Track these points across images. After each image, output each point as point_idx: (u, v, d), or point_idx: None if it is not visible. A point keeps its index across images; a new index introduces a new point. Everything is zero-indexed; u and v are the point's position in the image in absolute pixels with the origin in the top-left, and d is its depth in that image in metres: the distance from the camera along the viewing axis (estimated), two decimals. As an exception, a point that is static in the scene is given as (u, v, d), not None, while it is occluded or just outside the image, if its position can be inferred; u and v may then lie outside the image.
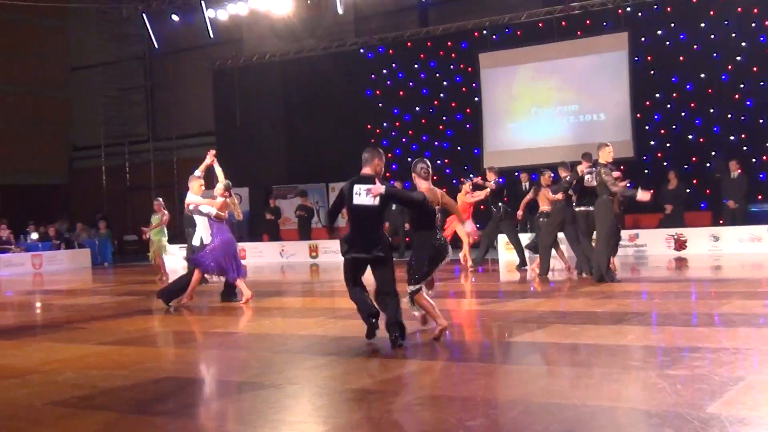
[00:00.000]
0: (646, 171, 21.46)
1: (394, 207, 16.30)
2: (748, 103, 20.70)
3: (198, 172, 12.32)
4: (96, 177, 34.23)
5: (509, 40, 23.86)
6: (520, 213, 16.12)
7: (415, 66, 25.19)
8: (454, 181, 17.12)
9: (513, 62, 23.84)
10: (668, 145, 21.62)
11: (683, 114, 21.42)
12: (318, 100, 26.35)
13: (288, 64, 27.11)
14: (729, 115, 20.81)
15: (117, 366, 7.66)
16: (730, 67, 20.82)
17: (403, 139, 25.26)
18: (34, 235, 26.65)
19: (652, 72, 21.91)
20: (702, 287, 12.37)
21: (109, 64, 33.45)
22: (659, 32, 21.77)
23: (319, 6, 25.06)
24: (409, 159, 24.33)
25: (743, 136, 20.70)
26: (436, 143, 24.78)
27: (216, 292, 13.06)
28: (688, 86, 21.28)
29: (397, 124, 25.44)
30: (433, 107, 24.86)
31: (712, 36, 21.05)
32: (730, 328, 8.16)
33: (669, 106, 21.59)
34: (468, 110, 24.42)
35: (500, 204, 16.11)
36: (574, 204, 13.66)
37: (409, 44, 25.36)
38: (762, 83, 20.50)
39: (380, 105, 25.80)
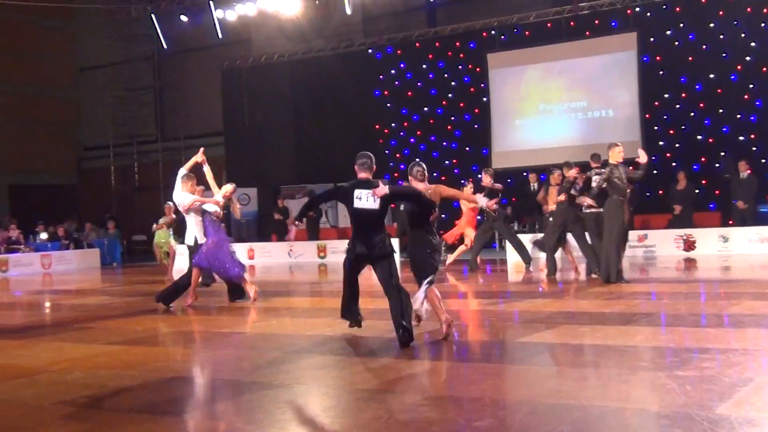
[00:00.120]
0: (655, 171, 21.34)
1: (402, 207, 16.31)
2: (757, 103, 20.64)
3: (185, 170, 12.28)
4: (105, 177, 34.32)
5: (518, 40, 23.85)
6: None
7: (424, 66, 25.18)
8: (462, 181, 17.09)
9: (521, 62, 23.82)
10: (677, 145, 21.57)
11: (692, 114, 21.37)
12: (326, 100, 26.39)
13: (296, 65, 27.15)
14: (738, 116, 20.76)
15: (125, 366, 7.68)
16: (739, 67, 20.77)
17: (411, 140, 25.27)
18: (44, 235, 26.72)
19: (661, 72, 21.87)
20: (711, 288, 12.33)
21: (118, 65, 33.54)
22: (668, 32, 21.73)
23: (327, 6, 25.09)
24: (417, 160, 24.45)
25: (752, 136, 20.65)
26: (444, 143, 24.78)
27: (223, 292, 13.07)
28: (697, 86, 21.23)
29: (405, 124, 25.44)
30: (442, 107, 24.85)
31: (722, 36, 20.99)
32: (740, 329, 8.14)
33: (678, 106, 21.54)
34: (476, 110, 24.40)
35: (495, 205, 16.04)
36: (584, 206, 13.67)
37: (417, 44, 25.36)
38: (771, 83, 20.47)
39: (388, 105, 25.81)
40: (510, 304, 11.23)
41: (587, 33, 22.88)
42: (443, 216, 18.02)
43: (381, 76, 25.89)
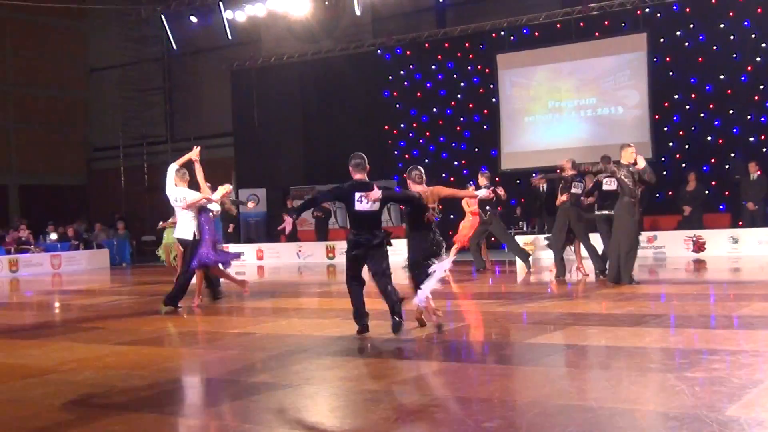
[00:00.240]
0: (664, 172, 21.32)
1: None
2: (767, 104, 20.56)
3: (177, 165, 12.28)
4: (114, 178, 34.39)
5: (527, 41, 23.81)
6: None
7: (433, 67, 25.16)
8: (472, 182, 17.06)
9: (531, 63, 23.78)
10: (687, 146, 21.50)
11: (702, 115, 21.30)
12: (335, 101, 26.40)
13: (306, 65, 27.17)
14: (748, 117, 20.69)
15: (135, 366, 7.69)
16: (749, 68, 20.70)
17: (421, 141, 25.27)
18: (53, 236, 26.81)
19: (671, 73, 21.80)
20: (721, 289, 12.29)
21: (128, 66, 33.58)
22: (678, 33, 21.66)
23: (336, 7, 25.10)
24: (427, 160, 24.52)
25: (763, 137, 20.56)
26: (453, 144, 24.77)
27: (232, 293, 13.09)
28: (707, 87, 21.17)
29: (415, 125, 25.43)
30: (451, 108, 24.83)
31: (732, 37, 20.92)
32: (749, 331, 8.11)
33: (688, 107, 21.48)
34: (485, 111, 24.37)
35: (488, 207, 16.01)
36: (596, 207, 13.69)
37: (426, 45, 25.35)
38: (782, 84, 20.41)
39: (398, 106, 25.80)
40: (519, 305, 11.21)
41: (597, 34, 22.82)
42: (451, 216, 18.02)
43: (390, 77, 25.89)
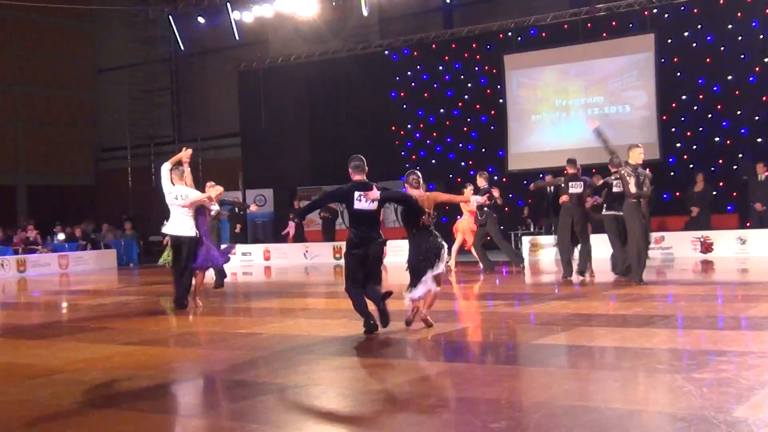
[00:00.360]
0: (672, 173, 21.33)
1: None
2: (775, 104, 20.54)
3: (171, 164, 12.31)
4: (122, 178, 34.43)
5: (534, 41, 23.79)
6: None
7: (440, 68, 25.16)
8: (472, 182, 17.07)
9: (538, 64, 23.76)
10: (695, 147, 21.46)
11: (710, 116, 21.26)
12: (342, 101, 26.42)
13: (313, 66, 27.19)
14: (756, 117, 20.65)
15: (142, 366, 7.70)
16: (757, 68, 20.65)
17: (428, 141, 25.27)
18: (61, 236, 26.87)
19: (678, 74, 21.76)
20: (728, 290, 12.25)
21: (136, 66, 33.67)
22: (686, 34, 21.63)
23: (344, 8, 25.13)
24: (433, 161, 24.54)
25: (771, 138, 20.54)
26: (460, 145, 24.75)
27: (239, 293, 13.10)
28: (715, 88, 21.12)
29: (422, 125, 25.42)
30: (458, 109, 24.83)
31: (740, 37, 20.87)
32: (757, 332, 8.09)
33: (695, 107, 21.44)
34: (492, 112, 24.35)
35: (485, 208, 16.02)
36: (604, 208, 13.70)
37: (433, 46, 25.35)
38: (791, 85, 20.34)
39: (405, 107, 25.80)
40: (526, 305, 11.20)
41: (604, 34, 22.80)
42: (443, 219, 18.11)
43: (397, 78, 25.88)
